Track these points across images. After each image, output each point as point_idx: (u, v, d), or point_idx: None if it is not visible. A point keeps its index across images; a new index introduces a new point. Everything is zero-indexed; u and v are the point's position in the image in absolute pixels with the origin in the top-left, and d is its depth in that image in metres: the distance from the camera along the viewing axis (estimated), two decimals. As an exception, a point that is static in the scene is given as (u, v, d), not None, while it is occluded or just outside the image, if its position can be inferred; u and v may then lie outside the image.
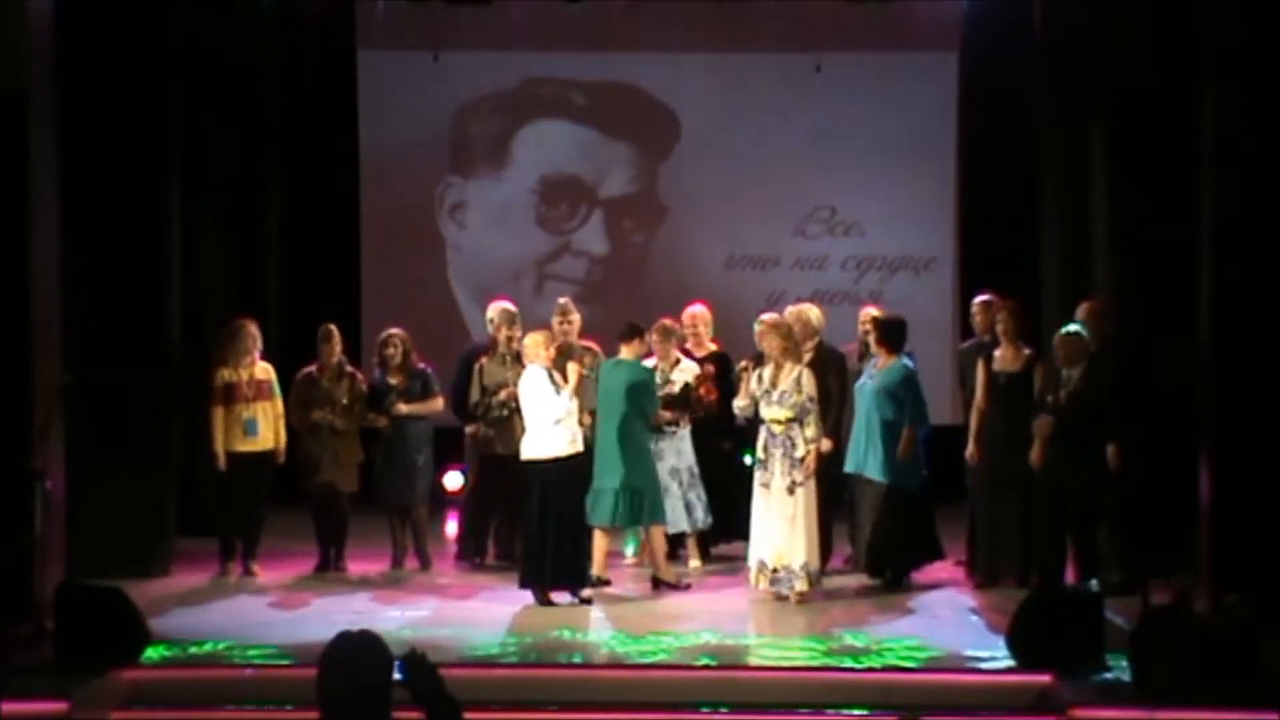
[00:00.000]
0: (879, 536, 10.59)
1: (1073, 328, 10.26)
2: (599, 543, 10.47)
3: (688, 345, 11.41)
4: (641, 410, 10.36)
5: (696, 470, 10.99)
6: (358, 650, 4.28)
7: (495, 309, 11.43)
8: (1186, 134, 10.05)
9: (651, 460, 10.51)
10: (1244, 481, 9.37)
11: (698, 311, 11.55)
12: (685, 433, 10.96)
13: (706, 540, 11.34)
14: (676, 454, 10.91)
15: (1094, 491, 10.05)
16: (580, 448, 10.13)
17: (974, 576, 10.69)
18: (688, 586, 10.47)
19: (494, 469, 11.19)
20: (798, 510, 9.97)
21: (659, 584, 10.46)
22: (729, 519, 11.21)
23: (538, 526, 9.99)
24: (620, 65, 14.68)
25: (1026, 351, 10.49)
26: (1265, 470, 9.29)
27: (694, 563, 11.18)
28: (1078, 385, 10.06)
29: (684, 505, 10.87)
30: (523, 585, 10.07)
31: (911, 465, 10.58)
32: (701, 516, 11.01)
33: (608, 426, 10.37)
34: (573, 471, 10.07)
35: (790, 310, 11.17)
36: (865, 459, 10.65)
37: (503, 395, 11.05)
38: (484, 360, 11.26)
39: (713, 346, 11.43)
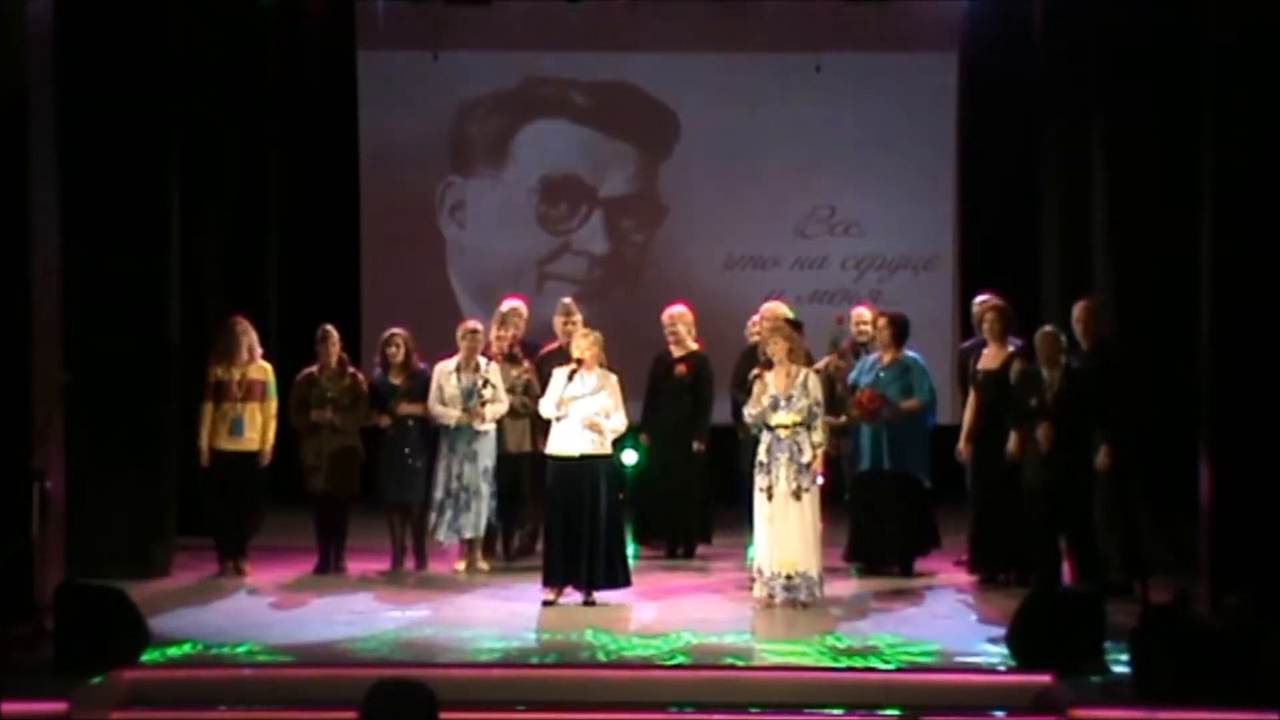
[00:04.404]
0: (909, 530, 10.79)
1: (1048, 327, 10.29)
2: None
3: (670, 345, 11.44)
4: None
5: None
6: (399, 699, 4.08)
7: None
8: (1187, 134, 10.05)
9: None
10: (1244, 481, 9.36)
11: (677, 311, 11.58)
12: (494, 434, 10.95)
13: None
14: (490, 455, 10.90)
15: (1083, 492, 10.05)
16: (604, 450, 9.97)
17: (974, 576, 10.70)
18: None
19: None
20: (806, 515, 9.92)
21: None
22: (706, 521, 11.63)
23: (554, 524, 10.00)
24: (620, 65, 14.67)
25: (1009, 349, 10.50)
26: (1265, 470, 9.28)
27: (483, 564, 11.14)
28: (1060, 385, 10.05)
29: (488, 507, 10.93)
30: (544, 583, 10.07)
31: (924, 454, 10.74)
32: (493, 520, 11.03)
33: None
34: (587, 471, 9.92)
35: (769, 308, 11.23)
36: (880, 453, 10.72)
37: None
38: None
39: (694, 346, 11.43)
